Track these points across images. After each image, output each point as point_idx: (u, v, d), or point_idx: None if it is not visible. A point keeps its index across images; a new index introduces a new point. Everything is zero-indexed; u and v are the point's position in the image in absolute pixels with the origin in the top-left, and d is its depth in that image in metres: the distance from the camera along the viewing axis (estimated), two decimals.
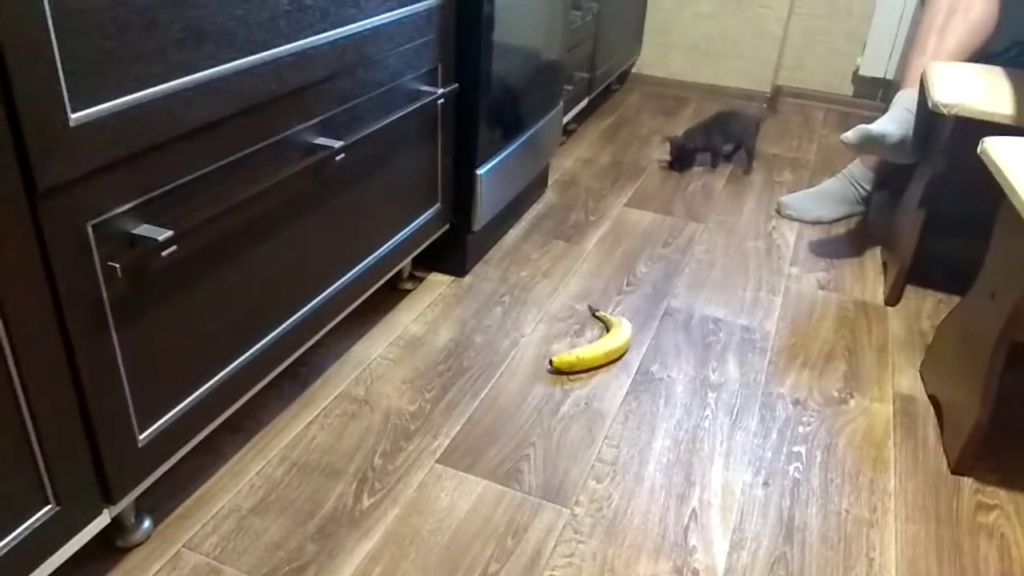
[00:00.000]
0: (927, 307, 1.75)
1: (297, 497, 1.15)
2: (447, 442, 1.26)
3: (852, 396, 1.44)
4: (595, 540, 1.11)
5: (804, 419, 1.37)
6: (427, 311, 1.60)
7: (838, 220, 2.12)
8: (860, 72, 2.87)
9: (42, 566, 0.87)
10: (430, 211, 1.58)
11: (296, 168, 1.08)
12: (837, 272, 1.86)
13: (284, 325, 1.19)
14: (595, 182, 2.26)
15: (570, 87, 2.26)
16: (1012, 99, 1.51)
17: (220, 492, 1.15)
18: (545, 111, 1.97)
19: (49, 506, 0.86)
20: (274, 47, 1.00)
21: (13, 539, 0.83)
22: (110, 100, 0.79)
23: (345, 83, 1.18)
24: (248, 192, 1.00)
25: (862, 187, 2.10)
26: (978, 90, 1.54)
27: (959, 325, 1.41)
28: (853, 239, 2.03)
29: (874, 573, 1.09)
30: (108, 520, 0.95)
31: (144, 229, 0.87)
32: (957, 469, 1.28)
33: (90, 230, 0.81)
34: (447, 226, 1.67)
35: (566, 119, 2.33)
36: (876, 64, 2.82)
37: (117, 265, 0.84)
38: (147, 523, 1.07)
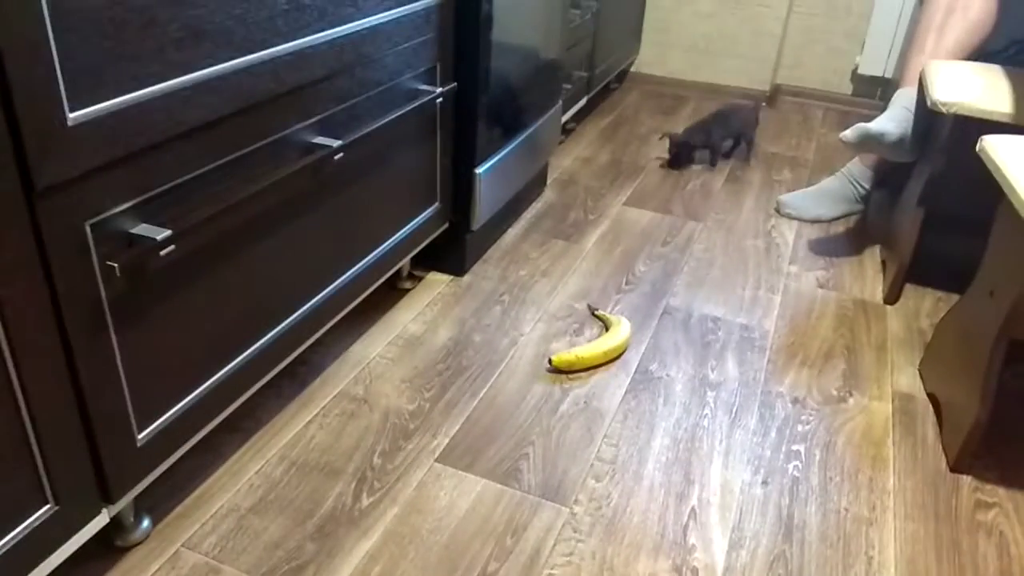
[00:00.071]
0: (926, 305, 1.75)
1: (296, 496, 1.15)
2: (446, 441, 1.26)
3: (851, 394, 1.44)
4: (594, 539, 1.11)
5: (803, 418, 1.38)
6: (426, 310, 1.60)
7: (837, 219, 2.12)
8: (859, 71, 2.87)
9: (41, 565, 0.87)
10: (429, 210, 1.58)
11: (295, 167, 1.08)
12: (836, 271, 1.86)
13: (283, 324, 1.19)
14: (594, 181, 2.26)
15: (569, 86, 2.26)
16: (1011, 97, 1.51)
17: (219, 491, 1.15)
18: (544, 110, 1.97)
19: (48, 506, 0.86)
20: (272, 46, 1.00)
21: (12, 539, 0.83)
22: (108, 99, 0.79)
23: (343, 82, 1.18)
24: (247, 191, 1.00)
25: (861, 186, 2.10)
26: (977, 89, 1.54)
27: (958, 323, 1.41)
28: (852, 238, 2.03)
29: (873, 571, 1.09)
30: (107, 519, 0.95)
31: (142, 228, 0.87)
32: (956, 467, 1.28)
33: (88, 229, 0.81)
34: (446, 225, 1.67)
35: (565, 118, 2.33)
36: (875, 63, 2.82)
37: (115, 264, 0.84)
38: (146, 522, 1.07)
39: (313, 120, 1.13)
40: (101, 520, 0.94)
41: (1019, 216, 1.12)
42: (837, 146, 2.56)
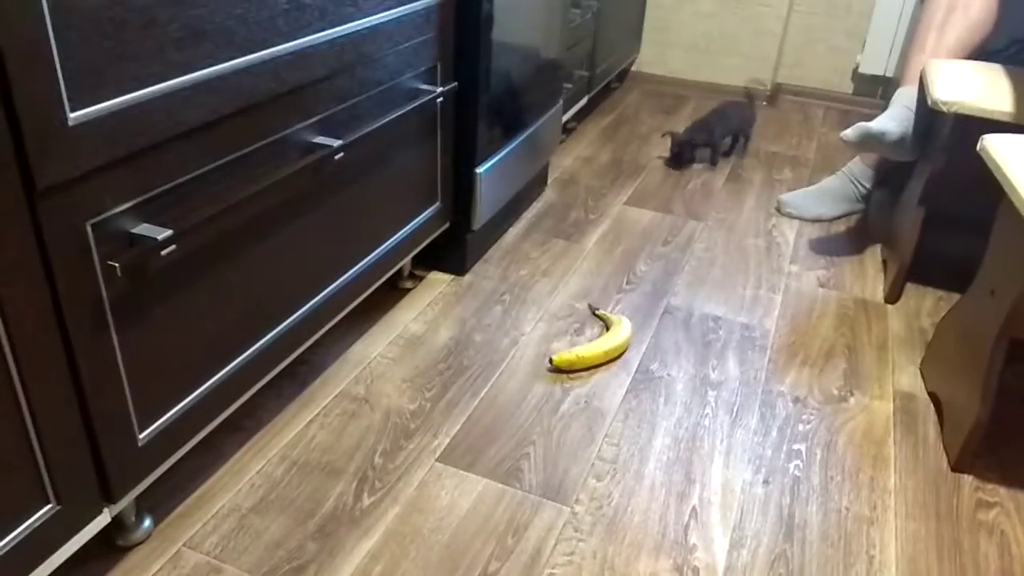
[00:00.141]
0: (927, 305, 1.75)
1: (297, 496, 1.15)
2: (447, 441, 1.26)
3: (852, 394, 1.44)
4: (595, 538, 1.11)
5: (804, 417, 1.38)
6: (427, 310, 1.60)
7: (838, 218, 2.12)
8: (860, 70, 2.87)
9: (43, 565, 0.87)
10: (430, 210, 1.58)
11: (295, 167, 1.08)
12: (837, 270, 1.86)
13: (284, 324, 1.19)
14: (595, 180, 2.26)
15: (569, 85, 2.26)
16: (1011, 96, 1.51)
17: (220, 491, 1.15)
18: (544, 109, 1.97)
19: (49, 505, 0.86)
20: (273, 46, 1.00)
21: (13, 538, 0.83)
22: (109, 99, 0.79)
23: (344, 82, 1.18)
24: (247, 191, 1.00)
25: (862, 185, 2.10)
26: (977, 88, 1.54)
27: (959, 322, 1.41)
28: (853, 237, 2.03)
29: (874, 571, 1.09)
30: (108, 519, 0.95)
31: (143, 228, 0.87)
32: (957, 466, 1.28)
33: (89, 229, 0.81)
34: (447, 225, 1.67)
35: (566, 117, 2.33)
36: (876, 62, 2.82)
37: (116, 264, 0.84)
38: (147, 522, 1.07)
39: (314, 120, 1.13)
40: (102, 520, 0.94)
41: (1020, 215, 1.12)
42: (838, 145, 2.56)
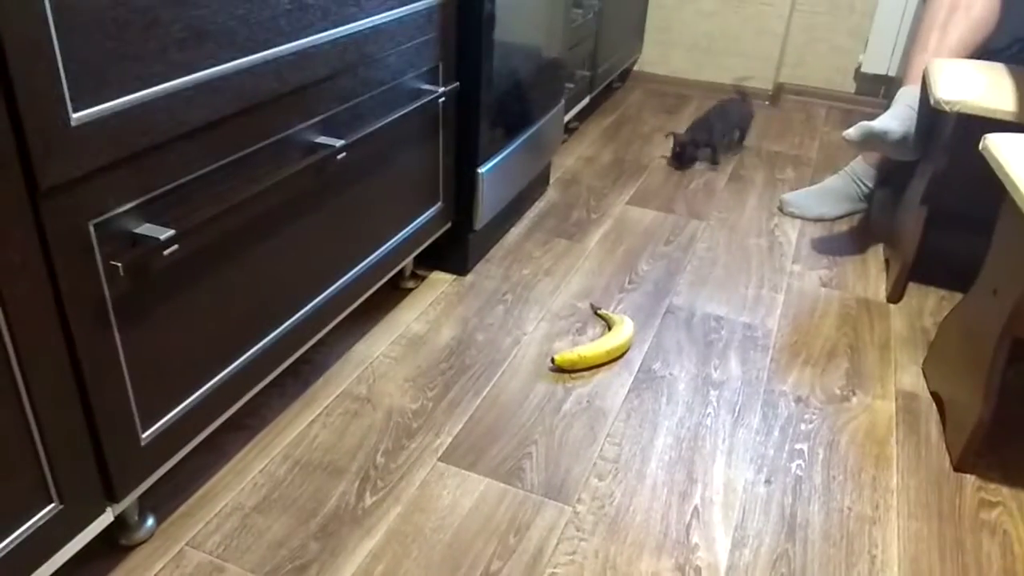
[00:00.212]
0: (929, 304, 1.75)
1: (300, 495, 1.15)
2: (449, 440, 1.26)
3: (854, 393, 1.44)
4: (597, 538, 1.11)
5: (806, 416, 1.37)
6: (429, 309, 1.60)
7: (840, 217, 2.12)
8: (862, 69, 2.87)
9: (46, 564, 0.87)
10: (432, 210, 1.58)
11: (297, 167, 1.08)
12: (839, 269, 1.86)
13: (286, 324, 1.20)
14: (597, 180, 2.26)
15: (571, 85, 2.26)
16: (1014, 96, 1.50)
17: (223, 490, 1.15)
18: (546, 109, 1.97)
19: (52, 504, 0.87)
20: (275, 46, 1.00)
21: (17, 537, 0.83)
22: (111, 100, 0.79)
23: (346, 82, 1.18)
24: (249, 191, 1.00)
25: (864, 184, 2.10)
26: (980, 87, 1.54)
27: (961, 322, 1.41)
28: (855, 236, 2.03)
29: (876, 570, 1.09)
30: (111, 518, 0.96)
31: (146, 228, 0.88)
32: (959, 466, 1.28)
33: (92, 229, 0.81)
34: (449, 225, 1.67)
35: (567, 117, 2.33)
36: (878, 61, 2.82)
37: (119, 264, 0.84)
38: (150, 521, 1.07)
39: (316, 120, 1.14)
40: (105, 519, 0.94)
41: (1022, 214, 1.12)
42: (840, 144, 2.56)
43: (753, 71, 2.96)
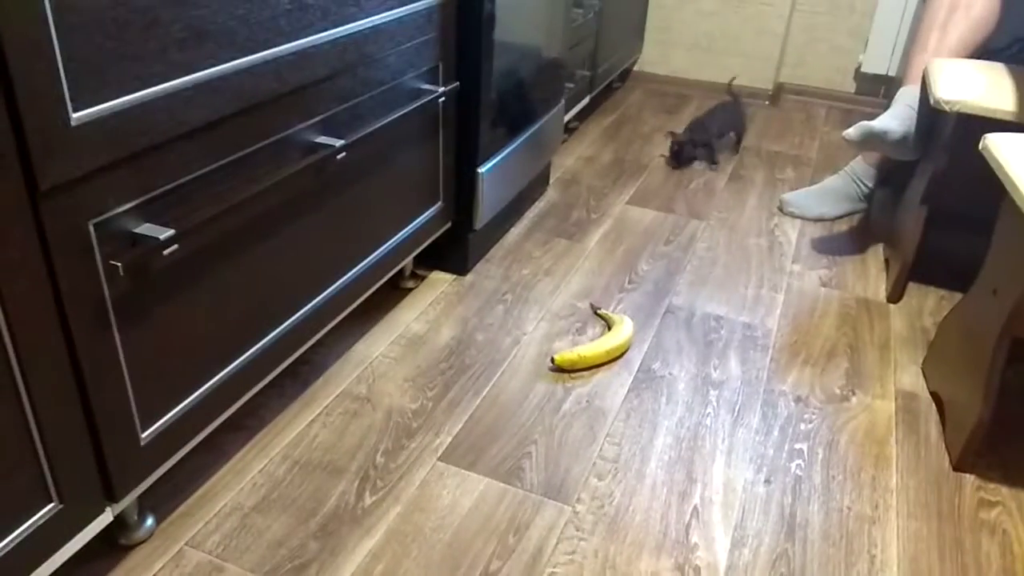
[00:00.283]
0: (929, 304, 1.75)
1: (299, 495, 1.15)
2: (449, 440, 1.27)
3: (854, 393, 1.44)
4: (597, 537, 1.11)
5: (806, 416, 1.37)
6: (429, 309, 1.60)
7: (840, 217, 2.12)
8: (862, 69, 2.87)
9: (45, 564, 0.87)
10: (431, 209, 1.58)
11: (297, 167, 1.08)
12: (839, 269, 1.86)
13: (286, 324, 1.20)
14: (597, 180, 2.26)
15: (571, 85, 2.26)
16: (1014, 95, 1.50)
17: (222, 490, 1.15)
18: (546, 109, 1.97)
19: (52, 504, 0.87)
20: (275, 46, 1.00)
21: (16, 537, 0.83)
22: (111, 100, 0.79)
23: (346, 82, 1.18)
24: (249, 191, 1.00)
25: (864, 184, 2.10)
26: (980, 87, 1.54)
27: (961, 322, 1.41)
28: (855, 236, 2.03)
29: (876, 570, 1.09)
30: (111, 518, 0.96)
31: (146, 228, 0.88)
32: (959, 466, 1.28)
33: (92, 229, 0.81)
34: (449, 224, 1.67)
35: (567, 117, 2.33)
36: (878, 61, 2.82)
37: (119, 264, 0.84)
38: (150, 521, 1.07)
39: (315, 120, 1.14)
40: (105, 519, 0.95)
41: (1022, 214, 1.12)
42: (840, 144, 2.56)
43: (753, 71, 2.96)
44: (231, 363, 1.10)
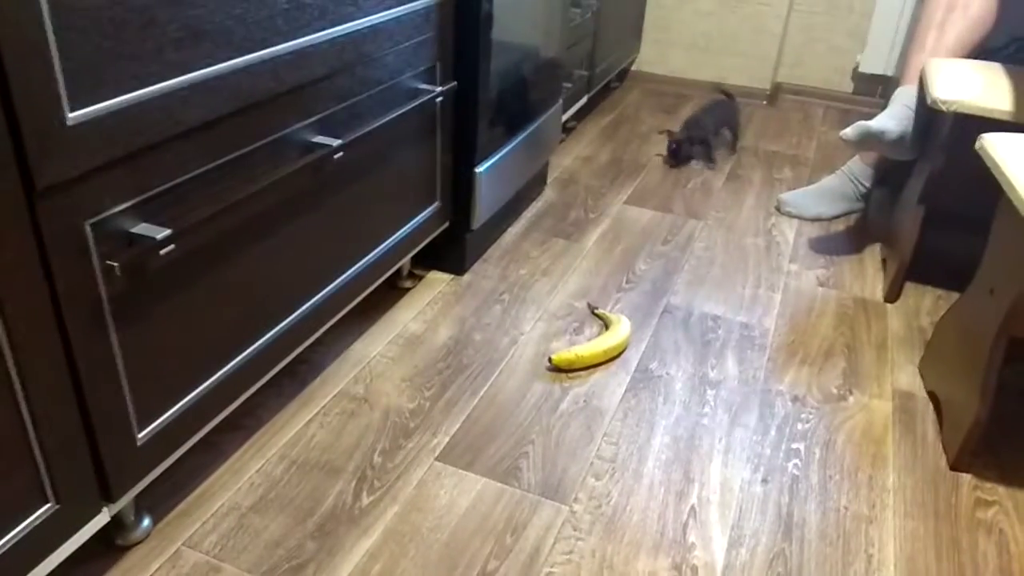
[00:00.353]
0: (926, 303, 1.75)
1: (297, 495, 1.15)
2: (446, 440, 1.27)
3: (851, 393, 1.44)
4: (594, 537, 1.11)
5: (803, 416, 1.38)
6: (426, 309, 1.60)
7: (837, 217, 2.12)
8: (860, 69, 2.87)
9: (42, 564, 0.87)
10: (429, 209, 1.58)
11: (294, 167, 1.08)
12: (836, 269, 1.86)
13: (283, 323, 1.20)
14: (594, 180, 2.26)
15: (569, 85, 2.26)
16: (1011, 95, 1.51)
17: (220, 490, 1.15)
18: (544, 109, 1.97)
19: (48, 504, 0.87)
20: (272, 45, 1.00)
21: (12, 537, 0.83)
22: (108, 99, 0.79)
23: (344, 81, 1.18)
24: (246, 191, 1.00)
25: (861, 184, 2.10)
26: (977, 86, 1.54)
27: (958, 321, 1.41)
28: (852, 236, 2.03)
29: (873, 569, 1.09)
30: (108, 518, 0.95)
31: (142, 228, 0.88)
32: (956, 465, 1.28)
33: (88, 229, 0.81)
34: (446, 224, 1.67)
35: (565, 117, 2.33)
36: (876, 61, 2.82)
37: (115, 264, 0.84)
38: (147, 521, 1.07)
39: (313, 119, 1.14)
40: (102, 519, 0.94)
41: (1019, 214, 1.12)
42: (838, 144, 2.56)
43: (751, 71, 2.96)
44: (228, 363, 1.10)
